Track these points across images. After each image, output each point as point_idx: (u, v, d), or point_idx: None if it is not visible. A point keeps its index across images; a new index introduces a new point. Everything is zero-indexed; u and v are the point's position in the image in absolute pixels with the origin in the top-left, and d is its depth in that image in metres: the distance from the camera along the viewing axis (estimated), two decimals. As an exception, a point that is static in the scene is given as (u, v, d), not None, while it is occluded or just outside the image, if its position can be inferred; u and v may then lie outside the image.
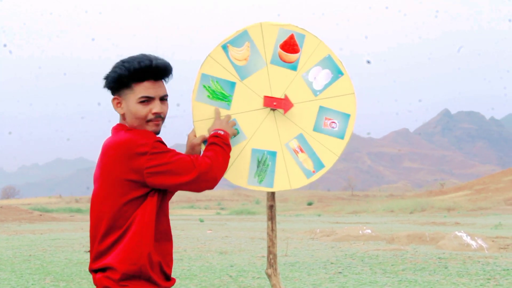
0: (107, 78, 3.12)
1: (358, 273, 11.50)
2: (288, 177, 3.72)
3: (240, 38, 3.73)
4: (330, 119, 3.74)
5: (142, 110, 3.07)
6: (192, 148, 3.50)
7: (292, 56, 3.75)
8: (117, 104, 3.12)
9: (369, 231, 21.16)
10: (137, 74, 3.04)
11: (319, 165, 3.73)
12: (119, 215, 2.97)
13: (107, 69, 3.14)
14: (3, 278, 11.31)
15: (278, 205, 77.15)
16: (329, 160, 3.73)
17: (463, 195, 76.07)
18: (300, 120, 3.73)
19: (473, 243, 16.47)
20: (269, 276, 3.82)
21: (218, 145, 3.27)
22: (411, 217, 46.65)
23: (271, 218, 3.86)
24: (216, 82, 3.67)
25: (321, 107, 3.74)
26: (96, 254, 3.01)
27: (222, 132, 3.37)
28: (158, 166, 2.95)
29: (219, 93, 3.66)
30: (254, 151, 3.70)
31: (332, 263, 13.18)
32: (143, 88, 3.06)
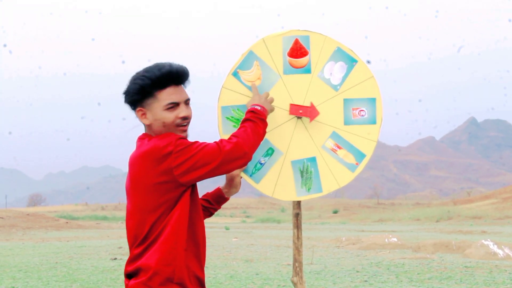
0: (127, 92, 3.10)
1: (384, 282, 11.45)
2: (334, 176, 3.72)
3: (248, 60, 3.73)
4: (357, 108, 3.74)
5: (170, 116, 3.06)
6: (232, 178, 3.52)
7: (302, 61, 3.75)
8: (142, 115, 3.11)
9: (395, 239, 21.11)
10: (160, 81, 3.04)
11: (360, 156, 3.73)
12: (156, 219, 2.96)
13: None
14: (30, 285, 11.40)
15: (304, 213, 76.91)
16: (368, 148, 3.74)
17: (490, 204, 75.30)
18: (329, 119, 3.73)
19: (500, 251, 16.34)
20: (294, 284, 3.82)
21: (251, 120, 3.24)
22: (437, 225, 46.34)
23: (297, 226, 3.86)
24: (237, 109, 3.68)
25: (345, 100, 3.74)
26: (132, 258, 3.01)
27: (259, 108, 3.35)
28: (186, 162, 2.93)
29: None
30: (293, 163, 3.71)
31: (358, 272, 13.15)
32: (167, 94, 3.06)
